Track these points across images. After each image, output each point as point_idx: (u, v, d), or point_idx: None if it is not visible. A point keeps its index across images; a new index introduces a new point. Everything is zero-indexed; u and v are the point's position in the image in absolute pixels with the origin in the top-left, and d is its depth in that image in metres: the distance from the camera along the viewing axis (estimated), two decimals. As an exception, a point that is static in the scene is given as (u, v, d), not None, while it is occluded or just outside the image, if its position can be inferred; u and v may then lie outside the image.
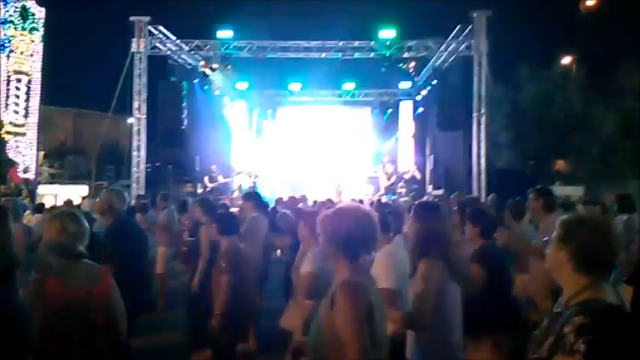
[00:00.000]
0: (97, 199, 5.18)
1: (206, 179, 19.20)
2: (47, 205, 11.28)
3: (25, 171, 18.74)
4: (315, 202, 13.08)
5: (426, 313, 3.06)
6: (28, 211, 10.51)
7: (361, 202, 13.07)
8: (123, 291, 3.17)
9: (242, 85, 22.10)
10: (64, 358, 2.85)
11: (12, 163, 18.34)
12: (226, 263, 4.50)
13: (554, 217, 5.29)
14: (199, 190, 19.30)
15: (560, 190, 16.01)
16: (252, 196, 7.75)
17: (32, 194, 16.33)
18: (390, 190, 19.49)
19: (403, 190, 19.04)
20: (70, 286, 2.91)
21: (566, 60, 20.80)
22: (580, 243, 2.01)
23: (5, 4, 18.59)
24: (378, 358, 2.26)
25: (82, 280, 2.94)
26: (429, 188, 19.87)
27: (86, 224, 3.10)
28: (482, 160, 17.34)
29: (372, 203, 13.02)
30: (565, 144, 18.30)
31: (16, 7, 18.85)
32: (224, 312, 4.42)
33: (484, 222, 4.30)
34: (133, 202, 16.17)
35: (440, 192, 17.65)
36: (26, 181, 17.93)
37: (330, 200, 11.77)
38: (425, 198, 16.04)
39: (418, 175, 19.88)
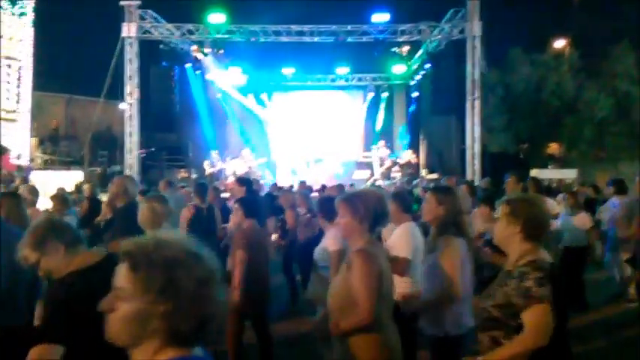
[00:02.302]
0: (111, 184, 5.59)
1: (206, 164, 19.23)
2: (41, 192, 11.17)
3: (18, 157, 18.63)
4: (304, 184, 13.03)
5: (459, 286, 3.45)
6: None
7: (352, 186, 13.13)
8: None
9: (235, 70, 21.98)
10: None
11: (4, 150, 18.22)
12: (243, 239, 4.85)
13: None
14: (194, 176, 19.28)
15: (553, 173, 16.12)
16: (245, 182, 8.01)
17: (25, 181, 16.24)
18: (386, 175, 19.53)
19: (398, 175, 19.11)
20: None
21: (560, 43, 20.78)
22: (528, 218, 2.59)
23: (-6, -11, 18.35)
24: (384, 310, 2.75)
25: None
26: (423, 172, 19.94)
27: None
28: (476, 144, 17.38)
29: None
30: (558, 127, 18.34)
31: (5, -9, 18.61)
32: (242, 286, 4.75)
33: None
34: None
35: (434, 176, 17.74)
36: (19, 167, 17.82)
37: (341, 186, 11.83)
38: (416, 182, 16.19)
39: (414, 160, 19.93)
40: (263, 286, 5.09)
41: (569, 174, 16.03)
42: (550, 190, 10.15)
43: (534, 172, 14.55)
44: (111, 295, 1.33)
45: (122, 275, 1.32)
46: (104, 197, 9.91)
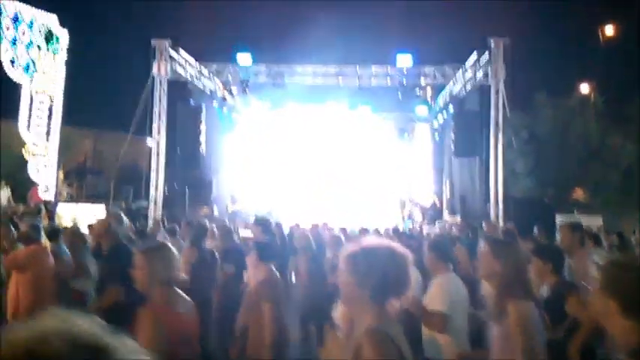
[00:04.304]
0: (95, 222, 5.14)
1: (229, 201, 19.39)
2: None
3: (45, 191, 18.96)
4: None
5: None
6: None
7: (377, 231, 13.07)
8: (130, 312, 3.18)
9: (260, 108, 22.38)
10: None
11: (33, 183, 18.60)
12: (267, 292, 4.52)
13: (585, 252, 5.55)
14: (216, 213, 19.41)
15: (578, 219, 15.86)
16: (262, 221, 7.84)
17: (51, 214, 16.52)
18: (408, 217, 19.46)
19: (420, 217, 19.01)
20: (181, 314, 2.99)
21: (585, 88, 20.72)
22: (628, 291, 1.97)
23: (30, 27, 18.98)
24: None
25: (184, 308, 3.06)
26: (445, 214, 19.81)
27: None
28: (500, 188, 17.26)
29: (386, 230, 13.03)
30: (583, 172, 18.14)
31: (41, 30, 19.23)
32: (271, 342, 4.38)
33: (556, 258, 4.31)
34: (150, 222, 16.34)
35: (457, 218, 17.62)
36: (46, 201, 18.13)
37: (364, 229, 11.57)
38: (438, 223, 16.08)
39: (436, 202, 19.87)
40: (285, 342, 4.83)
41: (595, 221, 15.76)
42: (598, 239, 9.34)
43: (559, 218, 14.36)
44: None
45: None
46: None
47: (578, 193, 19.23)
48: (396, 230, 12.65)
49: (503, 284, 3.03)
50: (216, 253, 6.88)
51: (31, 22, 18.88)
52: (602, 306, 2.02)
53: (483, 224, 9.41)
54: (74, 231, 6.36)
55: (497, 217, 16.85)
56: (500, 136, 17.46)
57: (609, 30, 20.18)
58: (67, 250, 7.58)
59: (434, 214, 19.35)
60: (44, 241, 7.87)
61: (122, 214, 5.20)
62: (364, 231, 10.83)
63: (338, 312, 4.44)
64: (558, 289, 4.11)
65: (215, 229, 7.80)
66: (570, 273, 5.17)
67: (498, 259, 3.09)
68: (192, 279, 6.17)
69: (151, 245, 3.30)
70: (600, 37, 20.42)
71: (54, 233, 7.83)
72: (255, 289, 4.79)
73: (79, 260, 5.72)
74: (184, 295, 3.17)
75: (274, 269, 4.87)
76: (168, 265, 3.02)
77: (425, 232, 12.40)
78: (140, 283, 3.06)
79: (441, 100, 20.98)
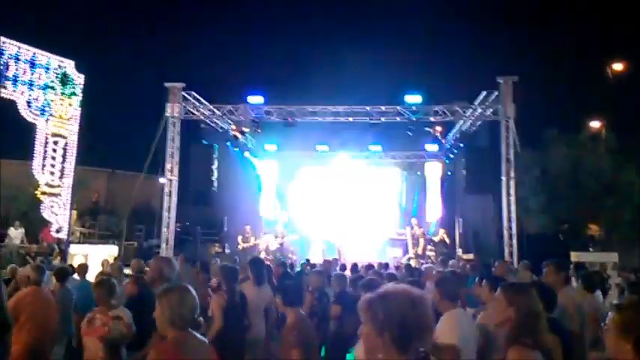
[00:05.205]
0: (147, 267, 5.10)
1: (239, 239, 19.38)
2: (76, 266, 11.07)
3: (58, 231, 19.05)
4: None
5: None
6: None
7: (387, 265, 12.98)
8: None
9: (271, 147, 22.64)
10: None
11: (45, 223, 18.71)
12: (295, 337, 4.41)
13: (569, 289, 5.72)
14: (227, 251, 19.37)
15: (594, 256, 15.60)
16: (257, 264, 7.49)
17: (63, 254, 16.56)
18: (421, 254, 19.28)
19: (432, 254, 18.84)
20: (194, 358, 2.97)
21: (595, 124, 20.71)
22: None
23: (46, 70, 19.41)
24: None
25: (200, 352, 3.03)
26: (459, 252, 19.60)
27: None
28: (513, 225, 17.06)
29: (397, 267, 12.93)
30: (597, 208, 17.96)
31: (57, 74, 19.65)
32: None
33: (546, 295, 4.23)
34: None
35: (470, 256, 17.43)
36: (58, 240, 18.19)
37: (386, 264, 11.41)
38: (452, 262, 15.86)
39: (447, 239, 19.68)
40: None
41: (611, 257, 15.50)
42: (603, 280, 9.06)
43: (574, 255, 14.16)
44: None
45: None
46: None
47: (593, 229, 19.01)
48: (408, 266, 12.53)
49: (512, 331, 2.97)
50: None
51: (47, 65, 19.32)
52: (616, 348, 2.05)
53: (496, 264, 9.26)
54: (101, 282, 5.65)
55: (511, 254, 16.63)
56: (511, 172, 17.34)
57: (618, 65, 20.26)
58: (72, 292, 7.53)
59: (447, 251, 19.16)
60: (52, 281, 7.82)
61: (173, 260, 5.15)
62: (370, 266, 10.81)
63: (358, 350, 4.39)
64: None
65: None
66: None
67: (512, 306, 3.04)
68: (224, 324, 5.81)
69: (165, 287, 3.28)
70: (609, 72, 20.50)
71: (61, 274, 7.78)
72: (283, 334, 4.68)
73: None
74: (200, 337, 3.14)
75: (301, 312, 4.78)
76: (178, 307, 2.98)
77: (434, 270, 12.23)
78: (157, 326, 3.08)
79: (452, 137, 21.02)
